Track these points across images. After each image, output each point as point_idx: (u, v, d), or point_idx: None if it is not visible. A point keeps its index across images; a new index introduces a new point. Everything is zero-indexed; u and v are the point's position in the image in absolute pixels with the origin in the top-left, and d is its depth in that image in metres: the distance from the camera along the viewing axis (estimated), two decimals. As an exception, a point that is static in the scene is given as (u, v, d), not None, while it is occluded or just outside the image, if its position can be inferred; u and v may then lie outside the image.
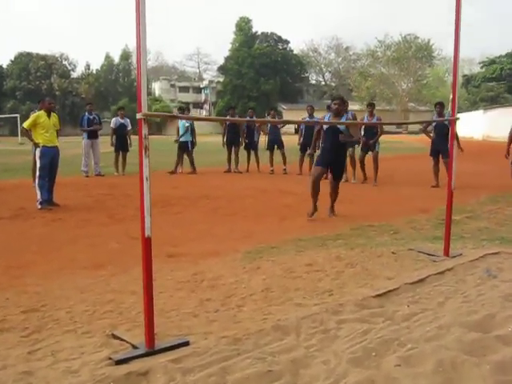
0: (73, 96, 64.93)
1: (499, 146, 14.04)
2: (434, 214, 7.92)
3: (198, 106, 77.49)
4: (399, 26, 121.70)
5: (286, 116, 16.74)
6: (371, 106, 13.08)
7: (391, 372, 2.96)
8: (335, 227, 7.13)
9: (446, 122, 11.36)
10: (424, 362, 3.08)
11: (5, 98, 63.57)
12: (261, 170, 15.38)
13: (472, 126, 48.05)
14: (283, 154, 15.47)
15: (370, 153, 12.74)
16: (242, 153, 15.89)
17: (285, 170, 15.14)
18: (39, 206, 8.66)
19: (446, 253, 5.41)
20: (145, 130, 3.07)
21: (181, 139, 15.32)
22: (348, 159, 12.97)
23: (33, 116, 9.02)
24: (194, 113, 68.46)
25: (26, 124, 8.99)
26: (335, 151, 7.93)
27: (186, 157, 15.40)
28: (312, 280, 4.70)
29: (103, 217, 8.02)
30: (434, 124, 12.03)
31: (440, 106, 11.87)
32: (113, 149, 15.12)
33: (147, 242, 3.10)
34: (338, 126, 7.74)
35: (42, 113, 8.97)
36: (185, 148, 15.37)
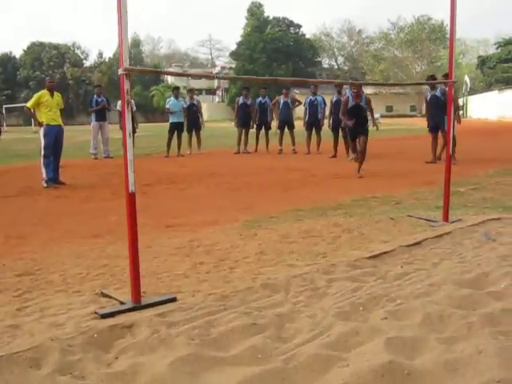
0: (86, 84, 65.25)
1: None
2: (438, 187, 7.82)
3: (211, 92, 77.41)
4: (412, 7, 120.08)
5: (298, 108, 16.85)
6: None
7: (377, 324, 2.95)
8: (337, 198, 7.10)
9: (440, 95, 11.29)
10: (411, 316, 3.06)
11: (19, 87, 64.11)
12: (270, 151, 15.35)
13: (487, 106, 47.62)
14: (292, 135, 15.44)
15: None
16: (251, 135, 15.86)
17: (294, 149, 15.11)
18: (45, 185, 8.73)
19: (445, 218, 5.37)
20: (127, 86, 3.07)
21: (174, 120, 15.01)
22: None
23: (36, 95, 9.08)
24: (206, 99, 68.52)
25: (29, 103, 9.08)
26: (359, 124, 9.45)
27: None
28: (307, 244, 4.69)
29: (107, 193, 8.05)
30: (428, 99, 11.79)
31: (432, 78, 12.08)
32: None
33: (131, 197, 3.11)
34: (361, 103, 9.49)
35: (44, 92, 9.02)
36: (178, 129, 15.08)
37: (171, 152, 14.69)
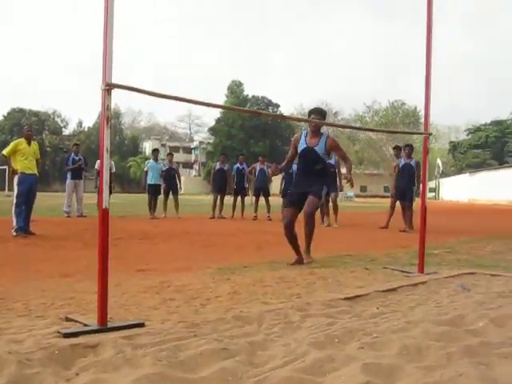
0: (63, 152, 65.21)
1: (483, 206, 14.12)
2: (413, 249, 7.83)
3: (188, 165, 78.06)
4: (387, 93, 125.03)
5: (276, 177, 17.04)
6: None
7: (353, 353, 2.84)
8: (312, 255, 7.01)
9: (413, 164, 11.50)
10: (388, 347, 2.96)
11: (-5, 152, 63.92)
12: (245, 217, 15.30)
13: (458, 189, 48.73)
14: (268, 202, 15.48)
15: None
16: (227, 201, 15.86)
17: (269, 217, 15.06)
18: (14, 234, 8.52)
19: (421, 270, 5.33)
20: (108, 102, 3.04)
21: (153, 182, 15.14)
22: (331, 204, 12.96)
23: (13, 143, 9.04)
24: (183, 172, 68.91)
25: (5, 151, 9.00)
26: (308, 181, 6.21)
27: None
28: (282, 288, 4.58)
29: (78, 244, 7.87)
30: (401, 166, 11.93)
31: (409, 148, 11.98)
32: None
33: (105, 213, 3.01)
34: (316, 148, 6.23)
35: (22, 140, 8.98)
36: (156, 192, 15.22)
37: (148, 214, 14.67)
